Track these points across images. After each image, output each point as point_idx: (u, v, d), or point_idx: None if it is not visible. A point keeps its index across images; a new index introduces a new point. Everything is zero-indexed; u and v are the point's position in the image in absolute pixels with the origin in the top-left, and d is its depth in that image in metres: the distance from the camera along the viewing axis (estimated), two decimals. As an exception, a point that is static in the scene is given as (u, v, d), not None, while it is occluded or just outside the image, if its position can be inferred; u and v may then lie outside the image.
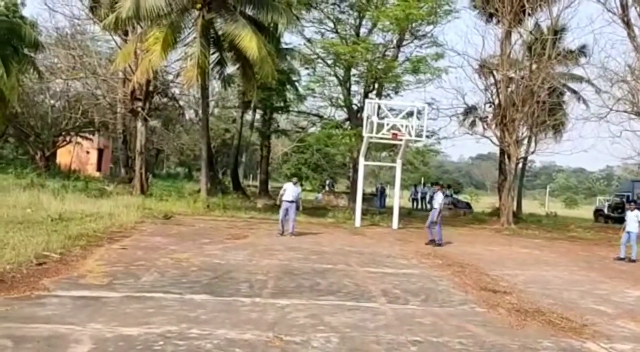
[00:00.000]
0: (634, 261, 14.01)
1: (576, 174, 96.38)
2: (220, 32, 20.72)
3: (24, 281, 7.32)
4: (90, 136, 39.94)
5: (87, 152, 43.73)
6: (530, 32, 24.17)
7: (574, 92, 30.96)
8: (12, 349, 4.81)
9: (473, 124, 27.66)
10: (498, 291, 8.84)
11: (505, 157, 24.92)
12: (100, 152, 45.20)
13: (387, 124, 17.91)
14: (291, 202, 14.71)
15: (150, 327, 5.70)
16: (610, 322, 7.29)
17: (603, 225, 28.91)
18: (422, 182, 42.20)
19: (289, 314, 6.62)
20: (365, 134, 18.04)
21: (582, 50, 28.21)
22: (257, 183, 38.90)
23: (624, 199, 31.79)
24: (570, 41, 27.95)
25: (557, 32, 25.33)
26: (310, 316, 6.58)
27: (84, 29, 29.93)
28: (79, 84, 31.85)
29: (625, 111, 23.22)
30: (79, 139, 39.59)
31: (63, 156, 40.30)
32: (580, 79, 29.51)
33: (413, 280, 9.45)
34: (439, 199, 15.22)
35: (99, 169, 43.84)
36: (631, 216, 14.37)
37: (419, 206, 34.80)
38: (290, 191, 14.83)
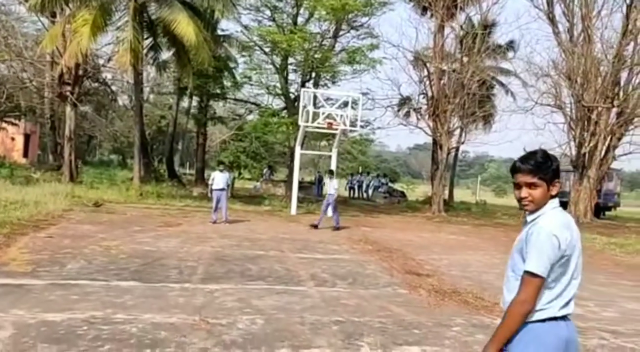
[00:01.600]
0: None
1: (507, 164, 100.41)
2: (154, 17, 20.29)
3: (-59, 269, 7.08)
4: (16, 121, 38.07)
5: (12, 139, 41.66)
6: (461, 27, 25.00)
7: (503, 85, 32.33)
8: None
9: (407, 114, 28.40)
10: (421, 274, 9.27)
11: (438, 147, 25.75)
12: (27, 138, 43.17)
13: (323, 114, 18.17)
14: (222, 189, 14.75)
15: (74, 313, 5.68)
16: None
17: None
18: (359, 171, 42.89)
19: (217, 299, 6.74)
20: (301, 123, 18.23)
21: (510, 45, 29.45)
22: (194, 171, 38.41)
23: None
24: (499, 36, 29.02)
25: (487, 26, 26.32)
26: (238, 300, 6.72)
27: (9, 10, 28.49)
28: (4, 66, 30.34)
29: (548, 105, 24.52)
30: (4, 125, 37.67)
31: (-14, 142, 38.31)
32: (508, 72, 30.84)
33: (342, 264, 9.75)
34: (333, 184, 15.75)
35: (25, 155, 41.89)
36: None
37: (356, 195, 35.48)
38: (218, 178, 14.86)
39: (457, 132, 26.43)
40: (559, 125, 24.44)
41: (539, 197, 2.48)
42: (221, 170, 15.34)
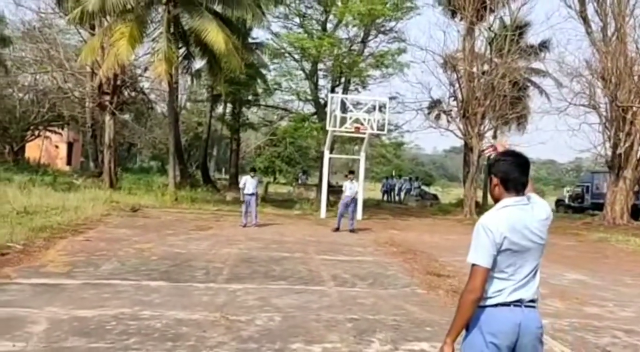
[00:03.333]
0: None
1: (546, 166, 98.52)
2: (186, 27, 20.96)
3: (-14, 270, 7.63)
4: (60, 130, 39.64)
5: (56, 146, 43.37)
6: (489, 29, 24.88)
7: (536, 85, 31.91)
8: (-29, 329, 5.17)
9: (438, 117, 28.38)
10: (442, 275, 9.41)
11: (469, 149, 25.65)
12: (70, 146, 44.86)
13: (350, 118, 18.43)
14: (251, 194, 15.14)
15: (105, 310, 6.08)
16: (539, 300, 7.89)
17: (563, 215, 29.92)
18: (392, 174, 42.91)
19: (239, 297, 7.07)
20: (329, 127, 18.53)
21: (544, 45, 29.07)
22: (228, 176, 39.16)
23: (584, 190, 32.96)
24: (530, 36, 28.67)
25: (519, 27, 26.13)
26: (258, 299, 7.03)
27: (51, 23, 29.73)
28: (47, 77, 31.68)
29: (582, 105, 24.13)
30: (48, 133, 39.29)
31: (32, 150, 39.92)
32: (541, 73, 30.43)
33: (364, 266, 9.97)
34: (353, 186, 15.78)
35: (68, 163, 43.54)
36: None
37: (390, 198, 35.51)
38: (249, 183, 15.25)
39: (489, 134, 26.27)
40: (594, 126, 24.01)
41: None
42: (252, 176, 15.74)
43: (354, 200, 15.69)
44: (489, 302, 2.65)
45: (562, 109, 24.09)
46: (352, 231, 15.30)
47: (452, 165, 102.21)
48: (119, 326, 5.54)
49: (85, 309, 6.05)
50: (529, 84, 31.43)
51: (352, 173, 17.01)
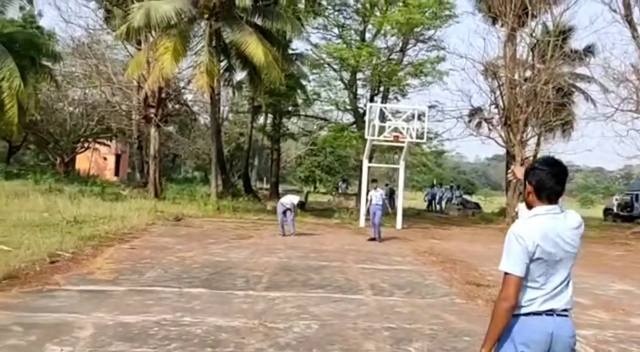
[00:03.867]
0: None
1: (595, 174, 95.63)
2: (227, 41, 21.45)
3: (37, 276, 7.98)
4: (108, 142, 40.99)
5: (105, 158, 44.85)
6: (531, 35, 24.47)
7: (582, 91, 31.11)
8: (23, 333, 5.43)
9: (479, 125, 28.02)
10: (482, 284, 9.30)
11: (511, 157, 25.21)
12: (118, 157, 46.31)
13: (389, 127, 18.44)
14: (288, 209, 15.32)
15: (148, 315, 6.29)
16: (583, 311, 7.71)
17: (612, 223, 28.98)
18: (433, 183, 42.45)
19: (277, 305, 7.18)
20: (367, 136, 18.58)
21: (588, 50, 28.37)
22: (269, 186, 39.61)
23: (633, 198, 31.85)
24: (574, 41, 28.03)
25: (563, 32, 25.59)
26: (296, 307, 7.13)
27: (99, 39, 30.88)
28: (96, 91, 32.87)
29: (630, 110, 23.40)
30: (97, 145, 40.68)
31: (82, 162, 41.43)
32: (587, 78, 29.67)
33: (403, 275, 9.95)
34: (378, 195, 15.68)
35: (116, 174, 44.93)
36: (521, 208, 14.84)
37: (432, 207, 35.03)
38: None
39: (532, 141, 25.76)
40: (643, 132, 23.18)
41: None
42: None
43: (379, 208, 15.47)
44: (520, 311, 2.65)
45: (609, 115, 23.43)
46: (373, 239, 15.14)
47: (495, 173, 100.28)
48: (161, 331, 5.73)
49: (130, 314, 6.28)
50: (573, 90, 30.68)
51: (375, 181, 16.93)
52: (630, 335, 6.58)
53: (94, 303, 6.74)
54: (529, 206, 2.79)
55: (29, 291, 7.14)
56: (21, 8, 32.18)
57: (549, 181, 2.71)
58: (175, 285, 8.04)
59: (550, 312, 2.63)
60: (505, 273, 2.63)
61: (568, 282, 2.71)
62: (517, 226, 2.69)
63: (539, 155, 27.79)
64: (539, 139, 25.67)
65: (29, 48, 22.56)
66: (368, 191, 16.60)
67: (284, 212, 15.32)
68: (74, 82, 32.04)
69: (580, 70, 29.61)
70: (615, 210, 33.45)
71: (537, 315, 2.62)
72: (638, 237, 20.45)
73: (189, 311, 6.58)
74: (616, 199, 35.31)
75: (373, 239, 15.22)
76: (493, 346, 2.66)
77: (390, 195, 35.61)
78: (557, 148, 27.55)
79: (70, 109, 36.65)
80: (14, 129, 21.70)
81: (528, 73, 24.65)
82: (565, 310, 2.68)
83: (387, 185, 39.05)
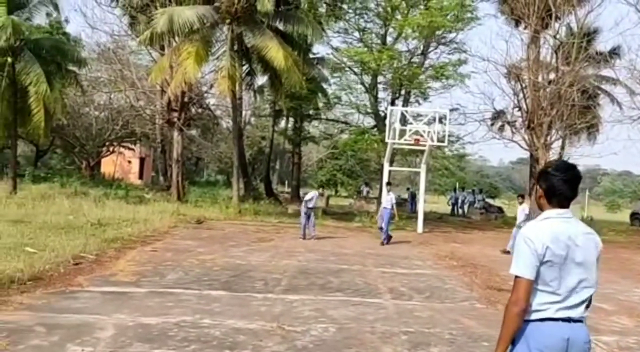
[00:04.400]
0: (508, 252, 14.09)
1: (622, 178, 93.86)
2: (249, 45, 21.61)
3: (61, 278, 8.14)
4: (132, 146, 41.59)
5: (129, 162, 45.48)
6: (554, 37, 24.12)
7: (608, 93, 30.59)
8: (45, 334, 5.55)
9: (502, 128, 27.70)
10: (503, 289, 9.19)
11: (535, 161, 24.87)
12: (142, 161, 46.92)
13: (410, 130, 18.37)
14: (311, 208, 15.38)
15: (168, 317, 6.37)
16: (605, 317, 7.59)
17: (638, 228, 28.39)
18: (455, 187, 42.07)
19: (295, 308, 7.21)
20: (388, 140, 18.53)
21: (614, 52, 27.88)
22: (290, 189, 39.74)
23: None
24: (599, 43, 27.58)
25: (587, 34, 25.18)
26: (314, 310, 7.15)
27: (124, 44, 31.38)
28: (121, 96, 33.39)
29: (657, 113, 22.92)
30: (122, 149, 41.30)
31: (107, 165, 42.10)
32: (613, 80, 29.16)
33: (422, 279, 9.90)
34: (390, 198, 15.54)
35: (140, 177, 45.52)
36: (520, 210, 14.74)
37: (455, 211, 34.68)
38: (314, 197, 15.48)
39: (556, 145, 25.36)
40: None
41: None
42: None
43: (387, 211, 15.34)
44: (535, 316, 2.62)
45: (635, 118, 22.99)
46: (382, 243, 15.00)
47: (519, 177, 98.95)
48: (180, 333, 5.80)
49: (150, 316, 6.36)
50: (599, 92, 30.17)
51: (388, 185, 16.82)
52: (655, 342, 6.45)
53: (115, 304, 6.84)
54: (540, 210, 2.78)
55: (52, 292, 7.29)
56: (48, 14, 32.79)
57: (560, 187, 2.70)
58: (195, 287, 8.12)
59: (566, 319, 2.61)
60: (516, 276, 2.62)
61: (586, 290, 2.65)
62: (527, 229, 2.67)
63: (564, 159, 27.42)
64: (563, 142, 25.29)
65: (55, 54, 22.99)
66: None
67: (308, 216, 15.35)
68: (99, 87, 32.63)
69: (606, 72, 29.14)
70: (641, 214, 32.77)
71: (553, 321, 2.60)
72: (666, 243, 20.01)
73: (208, 313, 6.65)
74: (643, 203, 34.58)
75: (383, 243, 15.08)
76: (506, 349, 2.64)
77: (412, 198, 35.54)
78: (582, 151, 27.12)
79: (96, 113, 37.32)
80: (41, 133, 22.13)
81: (552, 75, 24.27)
82: (582, 317, 2.65)
83: (408, 189, 38.89)
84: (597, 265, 2.72)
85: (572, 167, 2.76)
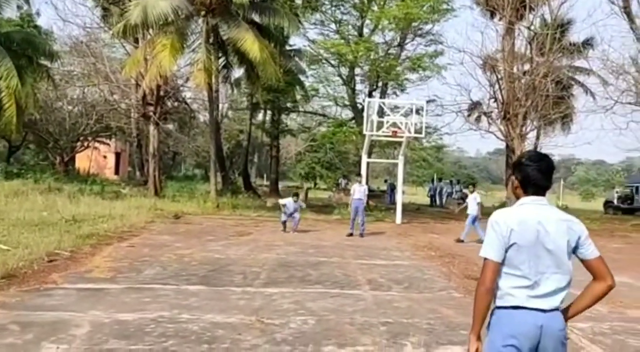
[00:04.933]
0: (462, 241, 14.39)
1: (596, 167, 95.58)
2: (224, 37, 21.40)
3: (35, 275, 7.99)
4: (107, 141, 41.01)
5: (105, 157, 44.88)
6: (529, 28, 24.40)
7: (581, 84, 31.08)
8: (20, 332, 5.43)
9: (478, 119, 27.98)
10: (480, 278, 9.29)
11: (511, 151, 25.20)
12: (118, 156, 46.33)
13: (387, 122, 18.42)
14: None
15: (145, 313, 6.30)
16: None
17: (612, 216, 28.97)
18: (433, 178, 42.43)
19: (275, 301, 7.18)
20: (366, 132, 18.56)
21: (587, 43, 28.31)
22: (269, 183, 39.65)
23: (633, 190, 31.83)
24: (573, 33, 27.98)
25: (561, 25, 25.52)
26: (294, 302, 7.13)
27: (97, 37, 30.84)
28: (94, 90, 32.85)
29: (629, 103, 23.38)
30: (96, 144, 40.69)
31: (82, 161, 41.46)
32: (586, 71, 29.63)
33: (401, 270, 9.95)
34: (362, 189, 15.48)
35: (116, 172, 44.96)
36: (470, 198, 14.88)
37: (436, 202, 34.89)
38: (290, 205, 15.35)
39: (531, 135, 25.72)
40: (642, 124, 23.18)
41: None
42: (294, 200, 15.50)
43: (362, 202, 15.32)
44: (507, 301, 2.64)
45: (609, 108, 23.43)
46: (361, 235, 14.98)
47: (496, 167, 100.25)
48: (157, 328, 5.73)
49: (127, 312, 6.28)
50: (572, 83, 30.65)
51: (359, 175, 16.82)
52: (627, 327, 6.59)
53: (91, 301, 6.74)
54: (517, 199, 2.81)
55: (26, 290, 7.15)
56: (18, 7, 32.14)
57: (535, 176, 2.74)
58: (173, 282, 8.04)
59: (542, 310, 2.63)
60: (484, 258, 2.67)
61: (557, 277, 2.65)
62: (496, 213, 2.73)
63: (539, 149, 27.81)
64: (538, 133, 25.68)
65: (26, 47, 22.51)
66: (370, 187, 16.54)
67: (292, 213, 15.24)
68: (73, 81, 32.04)
69: (579, 63, 29.63)
70: (615, 202, 33.43)
71: (527, 309, 2.62)
72: (638, 230, 20.44)
73: (186, 308, 6.59)
74: (617, 192, 35.29)
75: (351, 235, 14.99)
76: (479, 330, 2.68)
77: (391, 190, 35.73)
78: (556, 141, 27.57)
79: (69, 108, 36.63)
80: (13, 129, 21.69)
81: (527, 66, 24.61)
82: (556, 307, 2.66)
83: (386, 180, 39.08)
84: (589, 249, 2.70)
85: (545, 157, 2.81)
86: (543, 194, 2.76)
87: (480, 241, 13.91)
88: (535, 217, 2.67)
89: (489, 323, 2.71)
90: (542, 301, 2.62)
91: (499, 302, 2.67)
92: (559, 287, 2.66)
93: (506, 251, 2.64)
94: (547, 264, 2.64)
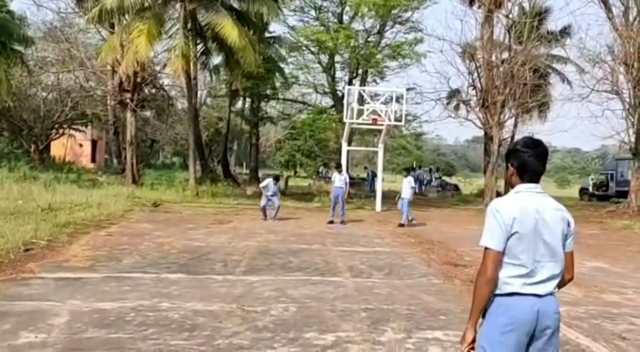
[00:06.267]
0: (402, 224, 14.82)
1: (571, 154, 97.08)
2: (203, 23, 21.12)
3: (11, 265, 7.86)
4: (83, 128, 40.32)
5: (81, 145, 44.15)
6: (507, 16, 24.54)
7: (558, 72, 31.43)
8: (-4, 322, 5.35)
9: (457, 107, 28.16)
10: (459, 264, 9.41)
11: (489, 139, 25.43)
12: (94, 143, 45.63)
13: (367, 110, 18.43)
14: (273, 195, 15.26)
15: (125, 302, 6.24)
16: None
17: (587, 203, 29.51)
18: (413, 166, 42.64)
19: (256, 289, 7.17)
20: (346, 120, 18.56)
21: (565, 31, 28.59)
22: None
23: (608, 177, 32.43)
24: (550, 22, 28.23)
25: (539, 14, 25.71)
26: (275, 290, 7.13)
27: (72, 22, 30.21)
28: (69, 76, 32.22)
29: (605, 91, 23.71)
30: (72, 132, 39.98)
31: (57, 149, 40.70)
32: (563, 59, 29.96)
33: (381, 257, 10.02)
34: (343, 178, 15.64)
35: (93, 160, 44.31)
36: (405, 183, 15.26)
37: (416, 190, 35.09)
38: (271, 186, 15.37)
39: (509, 123, 25.98)
40: (617, 112, 23.55)
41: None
42: (274, 183, 15.73)
43: (342, 190, 15.42)
44: (504, 289, 2.66)
45: (585, 96, 23.72)
46: (342, 222, 15.11)
47: (474, 155, 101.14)
48: (137, 317, 5.68)
49: (106, 301, 6.21)
50: (550, 71, 30.97)
51: (339, 166, 16.87)
52: (603, 311, 6.73)
53: (69, 290, 6.65)
54: (511, 187, 2.82)
55: (2, 280, 7.03)
56: (-10, -9, 31.23)
57: (532, 163, 2.76)
58: (152, 271, 7.98)
59: (535, 295, 2.65)
60: (485, 248, 2.66)
61: (552, 265, 2.68)
62: (496, 201, 2.74)
63: (516, 137, 28.10)
64: (516, 120, 25.93)
65: (-2, 32, 21.99)
66: (350, 175, 16.56)
67: (271, 197, 15.24)
68: (47, 67, 31.38)
69: (556, 51, 29.92)
70: (590, 190, 34.04)
71: (523, 295, 2.64)
72: (612, 216, 20.86)
73: (166, 297, 6.54)
74: (592, 179, 35.91)
75: (331, 222, 15.13)
76: (477, 319, 2.70)
77: (372, 177, 35.84)
78: (533, 129, 27.88)
79: (44, 94, 35.86)
80: (-15, 116, 21.20)
81: (505, 55, 24.78)
82: (551, 292, 2.70)
83: (365, 168, 39.17)
84: (571, 241, 2.76)
85: (540, 143, 2.83)
86: (538, 181, 2.78)
87: (400, 225, 14.22)
88: (533, 205, 2.69)
89: (486, 310, 2.72)
90: (537, 287, 2.66)
91: (496, 290, 2.68)
92: (553, 274, 2.70)
93: (507, 240, 2.64)
94: (543, 253, 2.67)
